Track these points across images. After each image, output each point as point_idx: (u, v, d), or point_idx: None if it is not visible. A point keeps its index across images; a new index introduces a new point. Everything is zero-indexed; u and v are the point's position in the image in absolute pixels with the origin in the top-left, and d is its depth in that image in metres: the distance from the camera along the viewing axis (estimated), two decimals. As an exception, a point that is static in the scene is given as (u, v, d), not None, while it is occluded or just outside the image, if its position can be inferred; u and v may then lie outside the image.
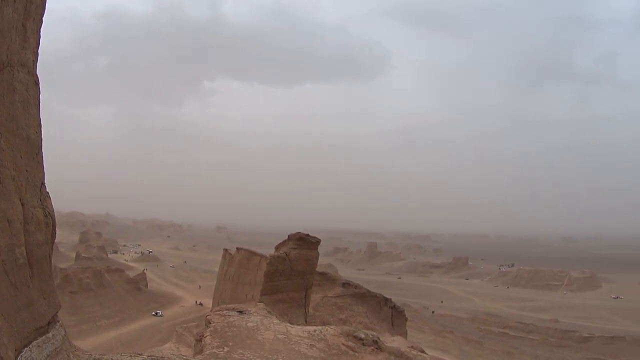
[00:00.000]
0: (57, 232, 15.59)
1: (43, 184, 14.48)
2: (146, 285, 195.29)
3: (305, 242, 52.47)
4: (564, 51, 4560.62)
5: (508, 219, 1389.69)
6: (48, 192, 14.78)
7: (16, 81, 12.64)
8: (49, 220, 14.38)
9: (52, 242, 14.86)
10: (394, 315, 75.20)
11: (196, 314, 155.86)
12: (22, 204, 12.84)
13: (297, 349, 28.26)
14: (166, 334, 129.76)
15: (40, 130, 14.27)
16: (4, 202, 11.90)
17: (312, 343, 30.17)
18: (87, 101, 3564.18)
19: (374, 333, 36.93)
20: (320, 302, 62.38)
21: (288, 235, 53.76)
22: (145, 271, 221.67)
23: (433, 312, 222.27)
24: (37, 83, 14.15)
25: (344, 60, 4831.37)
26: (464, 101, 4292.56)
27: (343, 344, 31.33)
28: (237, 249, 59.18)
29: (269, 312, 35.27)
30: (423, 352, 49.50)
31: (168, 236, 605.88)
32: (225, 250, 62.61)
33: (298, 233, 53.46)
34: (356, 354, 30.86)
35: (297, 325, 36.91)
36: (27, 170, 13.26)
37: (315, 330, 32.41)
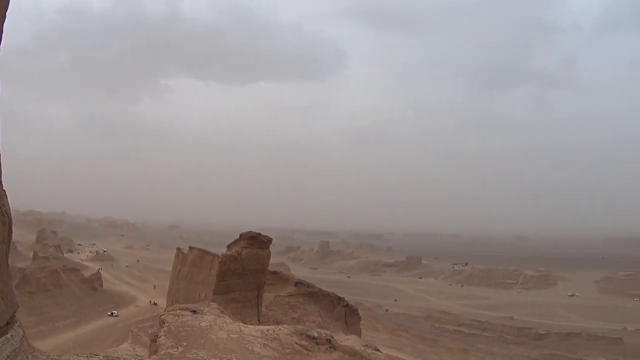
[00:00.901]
0: (14, 231, 15.87)
1: (0, 182, 14.68)
2: (101, 285, 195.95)
3: (256, 241, 52.98)
4: (523, 54, 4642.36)
5: (461, 217, 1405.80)
6: (4, 191, 14.95)
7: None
8: (6, 219, 14.49)
9: (9, 241, 15.03)
10: (347, 314, 76.05)
11: (151, 314, 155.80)
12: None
13: (250, 348, 28.54)
14: (122, 334, 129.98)
15: (-3, 128, 14.37)
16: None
17: (266, 342, 30.41)
18: (46, 97, 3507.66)
19: (328, 332, 37.59)
20: (273, 302, 62.93)
21: (240, 234, 54.23)
22: (100, 271, 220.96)
23: (387, 310, 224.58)
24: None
25: (298, 59, 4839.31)
26: (420, 101, 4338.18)
27: (296, 343, 31.69)
28: (190, 248, 59.73)
29: (222, 311, 35.65)
30: (378, 350, 50.45)
31: (122, 235, 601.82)
32: (178, 249, 63.08)
33: (250, 232, 53.94)
34: (310, 353, 31.32)
35: (250, 324, 37.27)
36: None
37: (268, 330, 32.71)
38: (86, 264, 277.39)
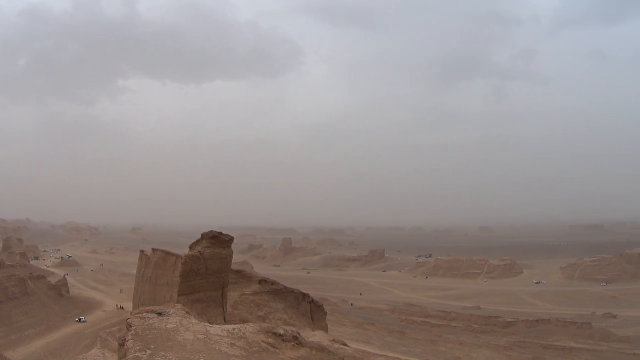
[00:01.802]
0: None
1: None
2: (68, 291, 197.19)
3: (218, 241, 53.24)
4: (481, 46, 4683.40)
5: (423, 210, 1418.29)
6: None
7: None
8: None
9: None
10: (313, 310, 76.65)
11: (118, 318, 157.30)
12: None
13: (217, 348, 28.89)
14: (91, 340, 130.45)
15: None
16: None
17: (232, 342, 30.82)
18: (7, 101, 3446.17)
19: (294, 329, 38.29)
20: (238, 300, 63.37)
21: (201, 234, 54.48)
22: (66, 276, 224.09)
23: (352, 304, 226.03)
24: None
25: (255, 57, 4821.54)
26: (378, 95, 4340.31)
27: (263, 341, 32.39)
28: (153, 250, 59.47)
29: (187, 312, 36.08)
30: (345, 345, 51.35)
31: (86, 239, 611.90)
32: (142, 251, 62.76)
33: (211, 231, 54.21)
34: (277, 350, 32.02)
35: (216, 324, 37.68)
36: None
37: (234, 329, 33.20)
38: (52, 270, 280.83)
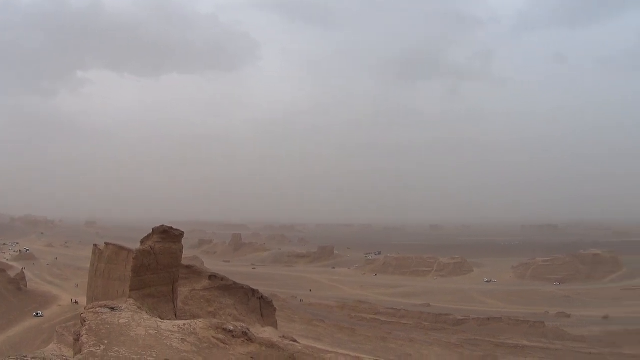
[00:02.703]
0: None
1: None
2: (26, 285, 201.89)
3: (169, 235, 53.51)
4: (440, 46, 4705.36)
5: (375, 208, 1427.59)
6: None
7: None
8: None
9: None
10: (262, 306, 77.25)
11: (73, 313, 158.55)
12: None
13: (169, 344, 29.39)
14: (48, 335, 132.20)
15: None
16: None
17: (183, 337, 31.27)
18: None
19: (244, 325, 39.17)
20: (188, 296, 63.84)
21: (152, 229, 54.76)
22: (24, 270, 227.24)
23: (302, 300, 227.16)
24: None
25: (212, 50, 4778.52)
26: (336, 92, 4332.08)
27: (213, 337, 32.91)
28: (106, 244, 59.61)
29: (139, 307, 36.48)
30: (295, 341, 52.28)
31: (42, 233, 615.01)
32: (95, 245, 62.85)
33: (162, 226, 54.49)
34: (227, 346, 32.64)
35: (167, 319, 38.31)
36: None
37: (185, 324, 33.73)
38: (11, 263, 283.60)
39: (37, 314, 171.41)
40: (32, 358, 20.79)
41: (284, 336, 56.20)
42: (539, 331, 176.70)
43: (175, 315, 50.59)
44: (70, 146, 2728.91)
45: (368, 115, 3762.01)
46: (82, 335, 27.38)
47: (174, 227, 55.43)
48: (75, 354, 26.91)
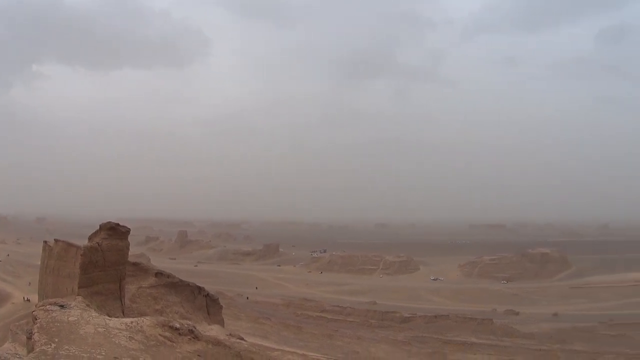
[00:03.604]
0: None
1: None
2: None
3: (116, 232, 53.59)
4: (391, 47, 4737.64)
5: (321, 207, 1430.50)
6: None
7: None
8: None
9: None
10: (208, 304, 77.63)
11: (26, 311, 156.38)
12: None
13: (117, 342, 29.67)
14: (2, 334, 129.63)
15: None
16: None
17: (131, 335, 31.59)
18: None
19: (190, 322, 39.73)
20: (136, 293, 64.06)
21: (100, 225, 54.91)
22: None
23: (248, 298, 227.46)
24: None
25: (164, 46, 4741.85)
26: (284, 91, 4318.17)
27: (160, 334, 33.26)
28: (56, 241, 59.61)
29: (87, 305, 36.67)
30: (242, 339, 53.01)
31: None
32: (45, 242, 62.71)
33: (109, 222, 54.65)
34: (174, 344, 33.06)
35: (115, 317, 38.57)
36: None
37: (132, 322, 34.00)
38: None
39: None
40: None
41: (230, 334, 56.77)
42: (488, 328, 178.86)
43: (123, 313, 50.86)
44: (22, 140, 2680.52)
45: (318, 115, 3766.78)
46: (33, 334, 27.56)
47: (121, 223, 55.81)
48: (29, 352, 27.21)
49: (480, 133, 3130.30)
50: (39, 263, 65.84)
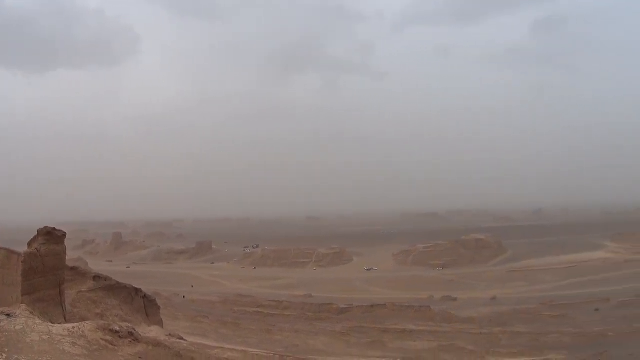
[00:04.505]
0: None
1: None
2: None
3: (52, 237, 53.34)
4: (321, 40, 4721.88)
5: (251, 202, 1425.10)
6: None
7: None
8: None
9: None
10: (147, 305, 77.83)
11: None
12: None
13: (62, 348, 29.93)
14: None
15: None
16: None
17: (74, 341, 31.76)
18: None
19: (129, 325, 40.31)
20: (76, 298, 63.97)
21: (37, 230, 54.70)
22: None
23: (184, 297, 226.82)
24: None
25: (96, 45, 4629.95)
26: (216, 88, 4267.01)
27: (101, 338, 33.41)
28: (-3, 248, 59.35)
29: (31, 312, 36.55)
30: (181, 339, 53.91)
31: None
32: (-13, 251, 62.35)
33: (45, 227, 54.50)
34: (116, 347, 33.29)
35: (58, 324, 38.65)
36: None
37: (74, 328, 34.06)
38: None
39: None
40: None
41: (170, 334, 57.37)
42: (426, 315, 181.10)
43: (65, 318, 50.76)
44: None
45: (250, 111, 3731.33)
46: (-16, 345, 27.96)
47: (57, 227, 55.81)
48: (-19, 363, 27.50)
49: (412, 124, 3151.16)
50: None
